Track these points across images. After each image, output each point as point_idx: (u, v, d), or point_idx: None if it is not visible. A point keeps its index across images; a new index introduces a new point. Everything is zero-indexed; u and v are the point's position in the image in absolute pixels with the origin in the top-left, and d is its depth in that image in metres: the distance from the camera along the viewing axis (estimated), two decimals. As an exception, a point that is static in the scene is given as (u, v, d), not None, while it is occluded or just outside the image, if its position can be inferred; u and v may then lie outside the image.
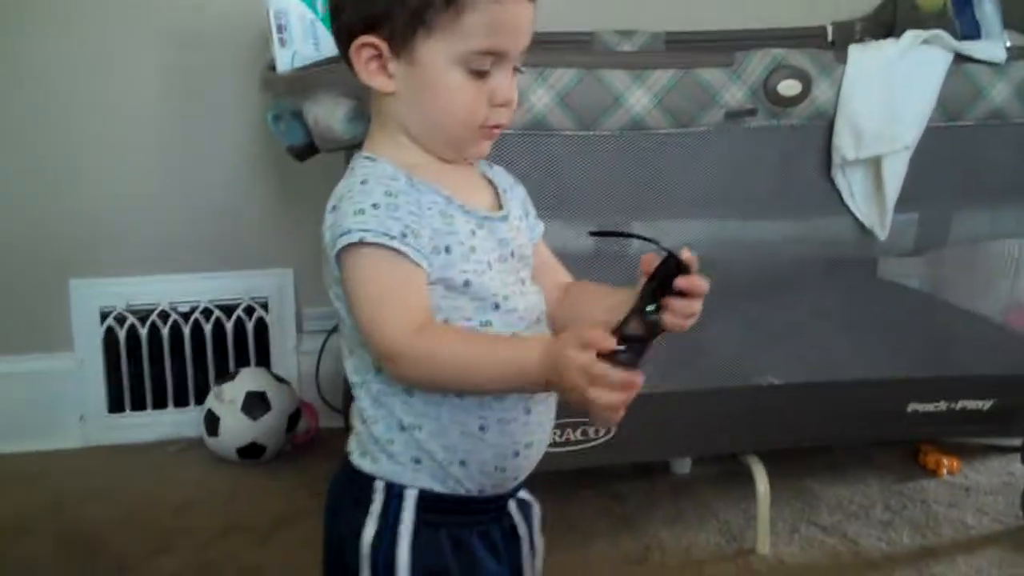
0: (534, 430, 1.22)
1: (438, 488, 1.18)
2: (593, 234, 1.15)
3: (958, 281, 2.70)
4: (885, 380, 2.21)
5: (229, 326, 2.77)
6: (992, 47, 1.98)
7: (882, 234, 2.05)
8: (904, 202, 2.04)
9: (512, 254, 1.21)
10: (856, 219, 2.05)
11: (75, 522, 2.31)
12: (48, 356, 2.69)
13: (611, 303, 1.17)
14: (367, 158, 1.17)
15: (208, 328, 2.75)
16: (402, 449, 1.17)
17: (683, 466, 2.50)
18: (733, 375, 2.17)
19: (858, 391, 2.19)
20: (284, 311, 2.80)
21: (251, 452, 2.57)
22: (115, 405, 2.73)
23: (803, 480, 2.45)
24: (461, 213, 1.16)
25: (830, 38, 2.60)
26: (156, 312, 2.72)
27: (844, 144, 1.94)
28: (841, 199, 2.03)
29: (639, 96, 1.86)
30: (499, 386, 1.13)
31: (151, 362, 2.74)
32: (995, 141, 2.05)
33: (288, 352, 2.81)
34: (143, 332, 2.72)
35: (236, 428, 2.56)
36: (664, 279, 1.10)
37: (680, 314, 1.10)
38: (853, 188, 2.01)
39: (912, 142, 1.97)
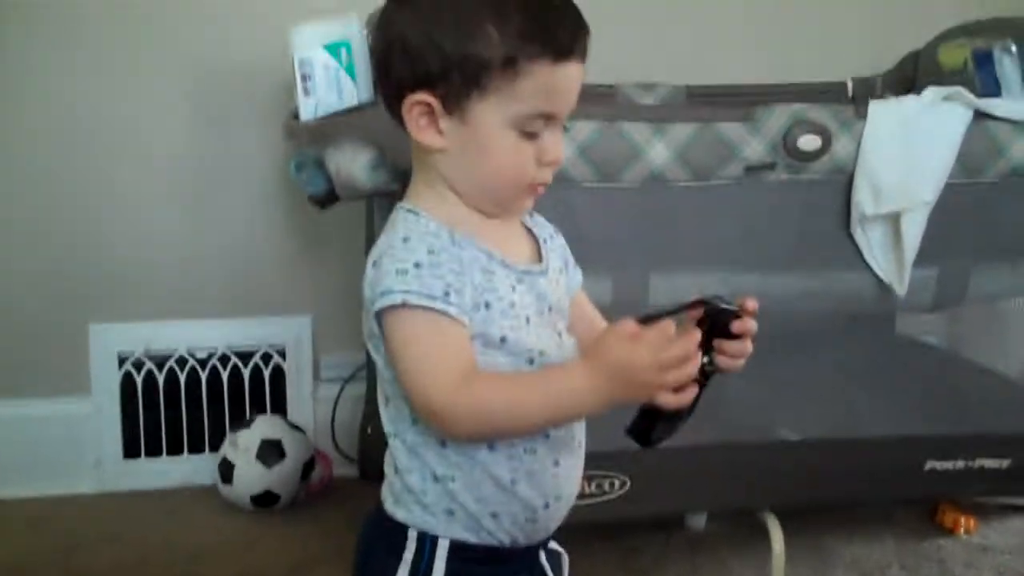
0: (563, 483, 1.22)
1: (471, 539, 1.19)
2: (643, 322, 1.14)
3: (976, 338, 2.69)
4: (903, 437, 2.20)
5: (246, 372, 2.77)
6: (1013, 105, 2.00)
7: (901, 290, 2.05)
8: (923, 258, 2.04)
9: (550, 308, 1.21)
10: (875, 275, 2.05)
11: (88, 568, 2.31)
12: (65, 400, 2.69)
13: None
14: (409, 211, 1.17)
15: (225, 375, 2.76)
16: (435, 500, 1.18)
17: (698, 521, 2.48)
18: (750, 430, 2.17)
19: (876, 448, 2.18)
20: (301, 358, 2.80)
21: (265, 500, 2.56)
22: (131, 450, 2.73)
23: (819, 537, 2.42)
24: (501, 268, 1.17)
25: (850, 93, 2.61)
26: (174, 358, 2.73)
27: (863, 199, 1.95)
28: (860, 254, 2.04)
29: (659, 149, 1.87)
30: (552, 420, 1.14)
31: (167, 408, 2.74)
32: (1015, 198, 2.05)
33: (304, 400, 2.81)
34: (160, 378, 2.72)
35: (250, 476, 2.55)
36: (712, 325, 1.12)
37: (735, 355, 1.14)
38: (872, 243, 2.02)
39: (931, 198, 1.98)
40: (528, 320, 1.17)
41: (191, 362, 2.74)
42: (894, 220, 2.00)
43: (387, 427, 1.21)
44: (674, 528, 2.46)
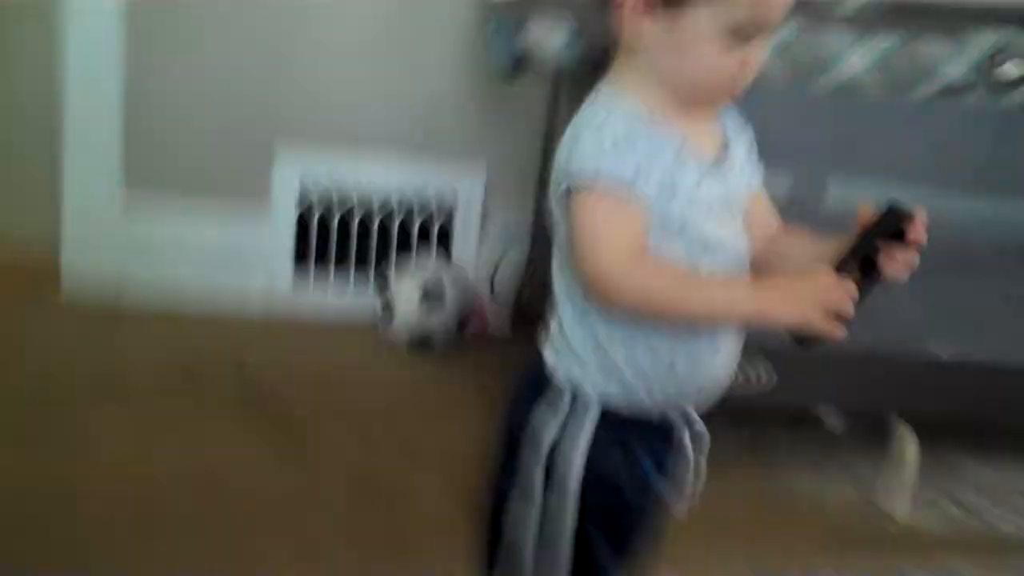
0: (720, 369, 1.28)
1: (620, 403, 1.25)
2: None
3: None
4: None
5: (418, 215, 2.87)
6: None
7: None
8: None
9: (731, 201, 1.25)
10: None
11: (255, 379, 2.47)
12: (247, 220, 2.83)
13: (819, 253, 1.22)
14: (612, 91, 1.22)
15: (398, 215, 2.86)
16: (595, 364, 1.24)
17: (835, 424, 2.51)
18: (900, 340, 2.18)
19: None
20: (471, 212, 2.88)
21: (422, 342, 2.69)
22: (302, 277, 2.87)
23: (951, 454, 2.44)
24: (691, 158, 1.20)
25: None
26: (351, 192, 2.83)
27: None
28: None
29: (858, 57, 1.86)
30: (705, 320, 1.21)
31: (340, 240, 2.87)
32: None
33: (469, 251, 2.90)
34: (337, 210, 2.84)
35: (410, 318, 2.68)
36: (884, 230, 1.16)
37: (901, 263, 1.17)
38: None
39: None
40: (710, 210, 1.21)
41: (368, 198, 2.84)
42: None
43: (558, 290, 1.27)
44: (810, 426, 2.50)
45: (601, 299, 1.19)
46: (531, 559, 1.28)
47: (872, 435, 2.44)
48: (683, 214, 1.19)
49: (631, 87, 1.21)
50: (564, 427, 1.25)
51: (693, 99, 1.21)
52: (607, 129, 1.17)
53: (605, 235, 1.16)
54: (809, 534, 2.13)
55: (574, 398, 1.26)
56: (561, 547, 1.26)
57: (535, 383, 1.29)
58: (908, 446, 2.21)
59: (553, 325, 1.29)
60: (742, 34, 1.15)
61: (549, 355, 1.29)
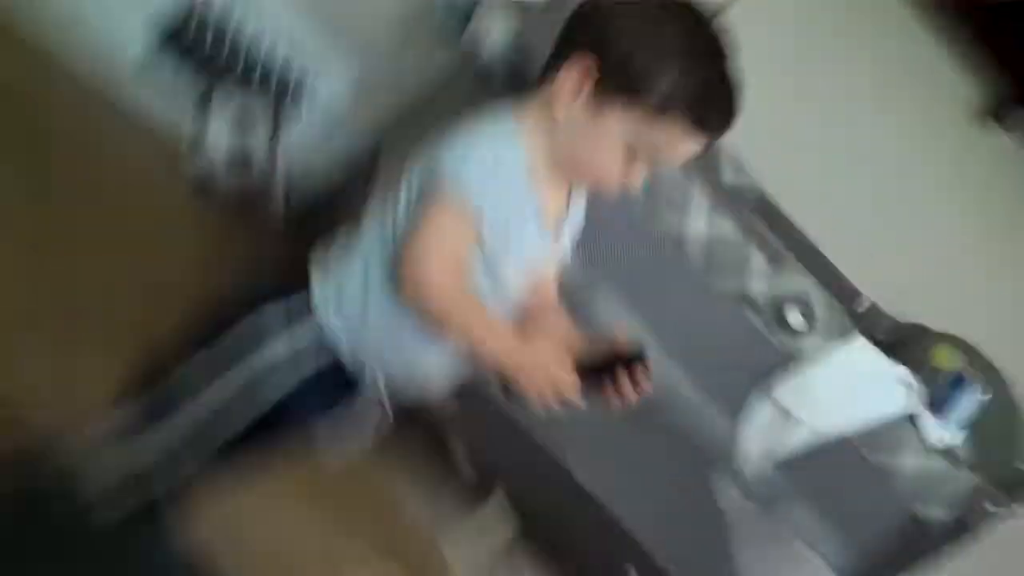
0: (440, 372, 1.42)
1: (346, 364, 1.36)
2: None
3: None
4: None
5: (283, 73, 2.78)
6: (939, 430, 2.18)
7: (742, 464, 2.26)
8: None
9: (539, 264, 1.40)
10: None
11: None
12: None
13: (571, 341, 1.34)
14: (511, 126, 1.33)
15: (262, 62, 2.77)
16: (352, 325, 1.35)
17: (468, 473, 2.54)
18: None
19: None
20: (328, 104, 2.83)
21: (204, 185, 2.68)
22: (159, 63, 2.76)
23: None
24: (536, 225, 1.35)
25: (861, 309, 2.55)
26: (235, 19, 2.74)
27: (785, 395, 2.16)
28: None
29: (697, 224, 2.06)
30: (470, 346, 1.33)
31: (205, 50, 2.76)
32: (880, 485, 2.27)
33: (305, 140, 2.83)
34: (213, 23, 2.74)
35: (211, 160, 2.68)
36: (626, 361, 1.30)
37: (624, 394, 1.30)
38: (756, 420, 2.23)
39: (825, 437, 2.19)
40: (521, 266, 1.36)
41: (241, 27, 2.74)
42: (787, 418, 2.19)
43: (366, 239, 1.35)
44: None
45: (407, 295, 1.29)
46: (182, 432, 1.36)
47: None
48: (500, 259, 1.32)
49: (528, 133, 1.32)
50: (295, 362, 1.34)
51: (572, 176, 1.35)
52: (485, 154, 1.28)
53: (439, 246, 1.26)
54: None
55: (318, 345, 1.35)
56: (216, 439, 1.36)
57: (289, 302, 1.36)
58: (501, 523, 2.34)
59: (326, 263, 1.37)
60: (637, 155, 1.29)
61: (317, 291, 1.36)
